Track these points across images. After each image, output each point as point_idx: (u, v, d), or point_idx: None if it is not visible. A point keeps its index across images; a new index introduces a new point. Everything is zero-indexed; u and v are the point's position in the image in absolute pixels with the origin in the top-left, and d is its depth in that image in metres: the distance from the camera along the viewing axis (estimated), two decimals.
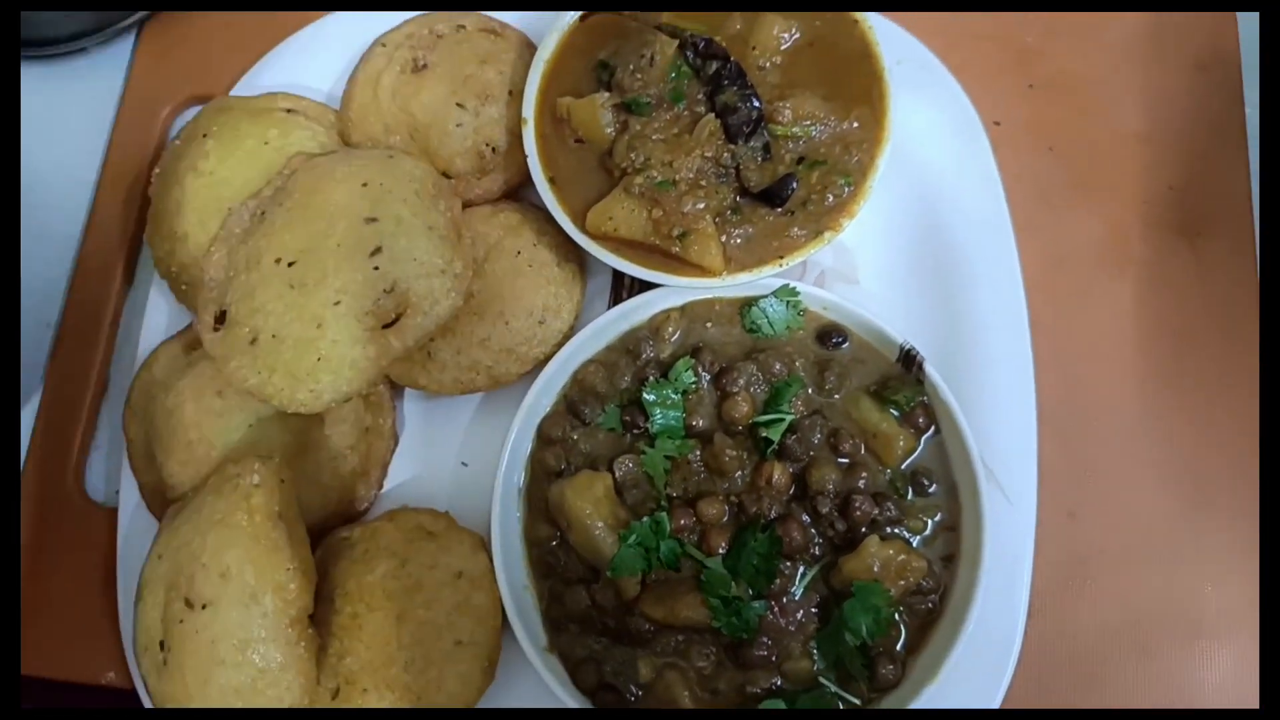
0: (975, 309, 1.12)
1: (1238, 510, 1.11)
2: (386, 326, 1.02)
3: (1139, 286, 1.17)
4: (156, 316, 1.20)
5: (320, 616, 1.04)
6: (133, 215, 1.30)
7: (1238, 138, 1.22)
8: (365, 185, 1.05)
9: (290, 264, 1.03)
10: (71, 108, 1.37)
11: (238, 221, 1.10)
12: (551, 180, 1.09)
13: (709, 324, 1.11)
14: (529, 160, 1.09)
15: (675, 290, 1.09)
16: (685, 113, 1.07)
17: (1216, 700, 1.06)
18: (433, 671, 1.01)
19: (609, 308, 1.18)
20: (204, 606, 0.98)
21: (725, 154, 1.04)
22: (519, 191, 1.19)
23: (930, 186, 1.16)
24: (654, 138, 1.06)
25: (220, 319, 1.06)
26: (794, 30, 1.09)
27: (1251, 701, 1.05)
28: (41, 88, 1.37)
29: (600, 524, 1.01)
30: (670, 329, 1.10)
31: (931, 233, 1.16)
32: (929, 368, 1.04)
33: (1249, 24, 1.25)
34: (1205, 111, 1.23)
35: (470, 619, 1.04)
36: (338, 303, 1.01)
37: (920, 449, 1.05)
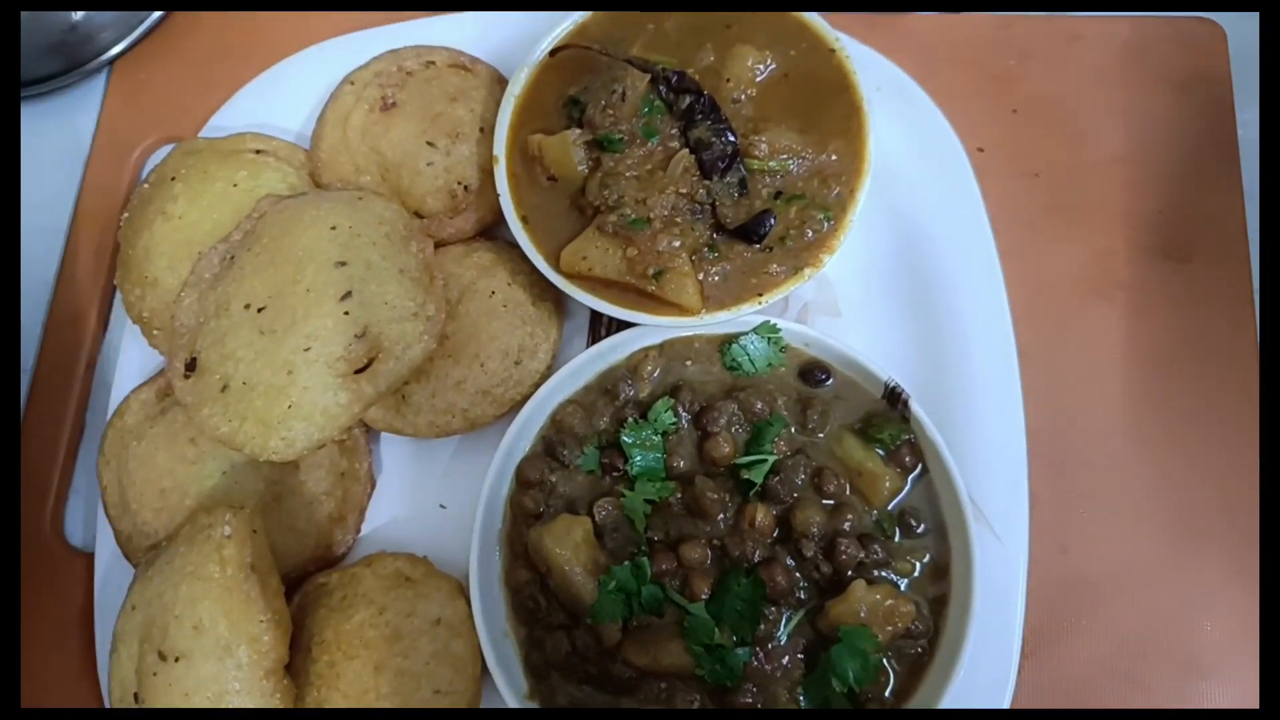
0: (961, 340, 1.10)
1: (1232, 539, 1.08)
2: (359, 372, 1.01)
3: (1127, 312, 1.15)
4: (130, 362, 1.18)
5: (297, 666, 1.02)
6: (105, 259, 1.29)
7: (1227, 157, 1.20)
8: (334, 228, 1.03)
9: (260, 309, 1.02)
10: (44, 150, 1.36)
11: (207, 266, 1.08)
12: (524, 219, 1.07)
13: (688, 362, 1.09)
14: (501, 199, 1.07)
15: (653, 329, 1.07)
16: (659, 149, 1.05)
17: None
18: None
19: (587, 347, 1.16)
20: (177, 659, 0.96)
21: (700, 190, 1.02)
22: (493, 230, 1.17)
23: (913, 216, 1.14)
24: (627, 175, 1.04)
25: (191, 366, 1.04)
26: (768, 61, 1.08)
27: None
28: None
29: (579, 569, 0.99)
30: (649, 368, 1.08)
31: (915, 263, 1.14)
32: (914, 405, 1.02)
33: (1240, 39, 1.23)
34: (1191, 132, 1.21)
35: (449, 668, 1.02)
36: (308, 349, 0.99)
37: (907, 488, 1.03)
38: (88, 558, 1.16)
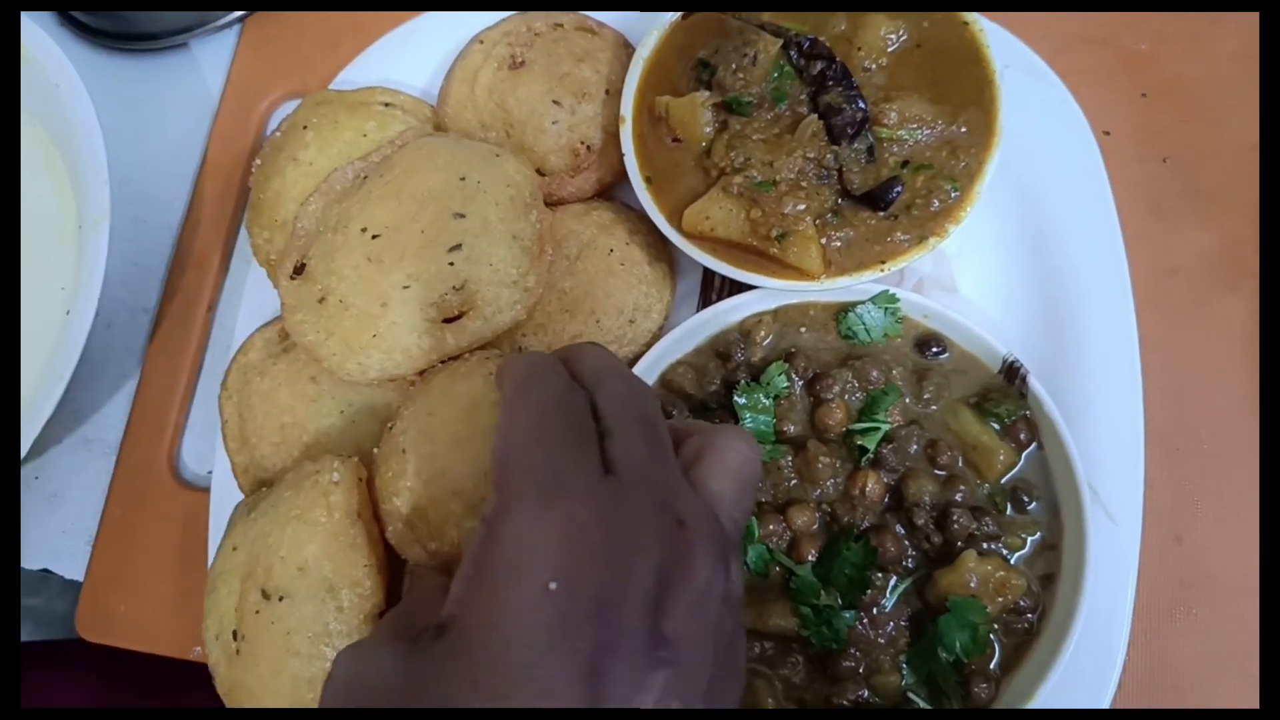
0: (1081, 322, 1.09)
1: None
2: (447, 321, 1.03)
3: (1255, 302, 1.13)
4: (253, 303, 1.22)
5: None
6: (230, 205, 1.33)
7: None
8: (463, 179, 1.05)
9: (374, 236, 1.04)
10: (173, 101, 1.41)
11: (340, 179, 1.11)
12: (648, 179, 1.08)
13: (803, 329, 1.09)
14: (625, 158, 1.09)
15: (768, 294, 1.07)
16: (787, 113, 1.06)
17: None
18: None
19: (698, 310, 1.17)
20: (280, 598, 0.99)
21: (828, 155, 1.02)
22: (611, 191, 1.19)
23: (1036, 195, 1.13)
24: (754, 138, 1.04)
25: (300, 270, 1.08)
26: (900, 31, 1.07)
27: None
28: (144, 81, 1.41)
29: None
30: (762, 333, 1.09)
31: (1036, 242, 1.12)
32: (1033, 380, 1.01)
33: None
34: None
35: None
36: (407, 287, 1.02)
37: (1021, 464, 1.02)
38: (201, 493, 1.21)
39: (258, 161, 1.21)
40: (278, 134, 1.20)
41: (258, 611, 1.00)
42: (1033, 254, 1.13)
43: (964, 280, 1.15)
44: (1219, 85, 1.19)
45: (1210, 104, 1.19)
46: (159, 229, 1.34)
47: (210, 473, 1.20)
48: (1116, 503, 1.02)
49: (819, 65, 1.04)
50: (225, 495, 1.16)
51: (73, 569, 1.25)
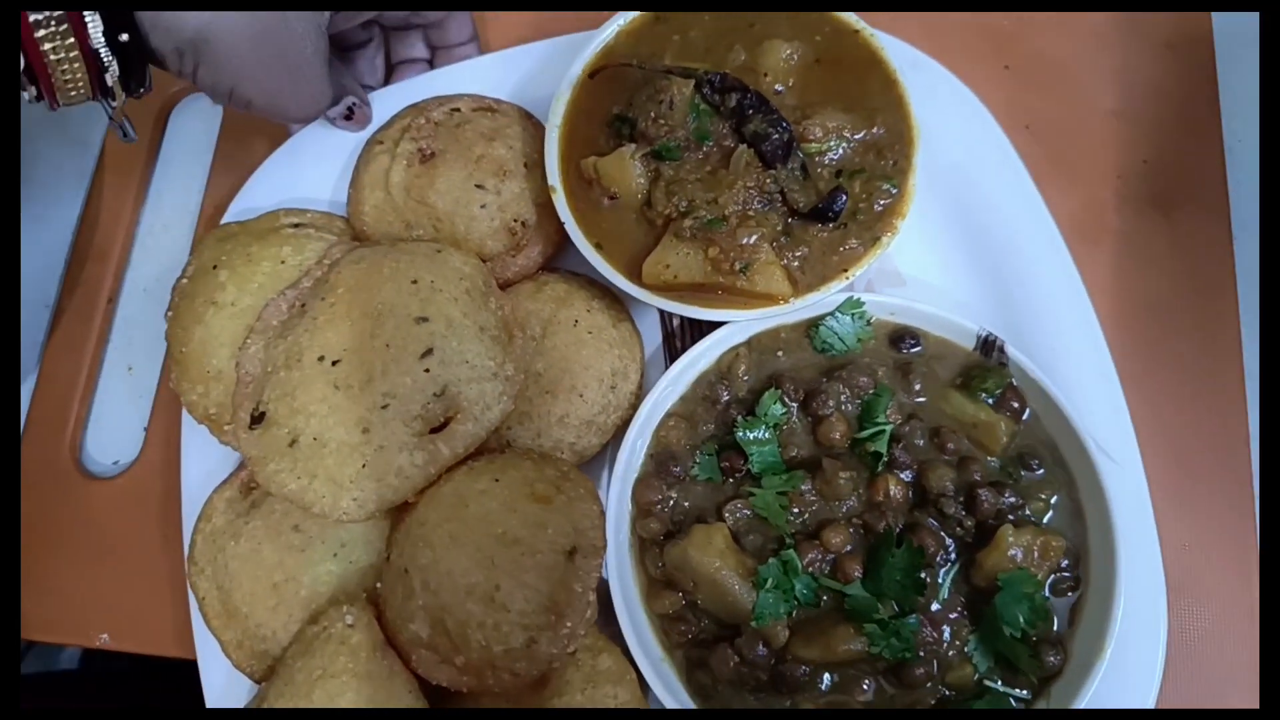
0: (1024, 275, 1.13)
1: (1224, 479, 1.12)
2: (434, 431, 0.98)
3: (1116, 258, 1.20)
4: (196, 466, 1.12)
5: None
6: (129, 199, 1.32)
7: (1210, 112, 1.26)
8: (415, 282, 1.00)
9: (334, 363, 0.99)
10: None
11: (274, 313, 1.04)
12: (598, 245, 1.06)
13: (779, 353, 1.09)
14: (567, 227, 1.06)
15: (736, 327, 1.07)
16: (714, 149, 1.06)
17: None
18: None
19: (665, 359, 1.16)
20: None
21: (767, 180, 1.03)
22: (555, 261, 1.16)
23: (948, 172, 1.17)
24: (691, 179, 1.05)
25: (258, 418, 1.00)
26: (797, 50, 1.10)
27: None
28: None
29: (732, 575, 0.97)
30: (741, 367, 1.08)
31: (961, 215, 1.17)
32: (1010, 348, 1.05)
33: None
34: (1177, 88, 1.27)
35: (609, 683, 0.97)
36: (385, 406, 0.96)
37: (1019, 430, 1.05)
38: (105, 484, 1.20)
39: (168, 313, 1.11)
40: (184, 281, 1.12)
41: None
42: (961, 226, 1.17)
43: (908, 271, 1.18)
44: (1076, 58, 1.28)
45: (1068, 76, 1.28)
46: (59, 224, 1.31)
47: (116, 463, 1.22)
48: (1113, 443, 1.06)
49: (734, 97, 1.06)
50: (219, 686, 1.05)
51: None
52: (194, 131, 1.37)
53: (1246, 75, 1.27)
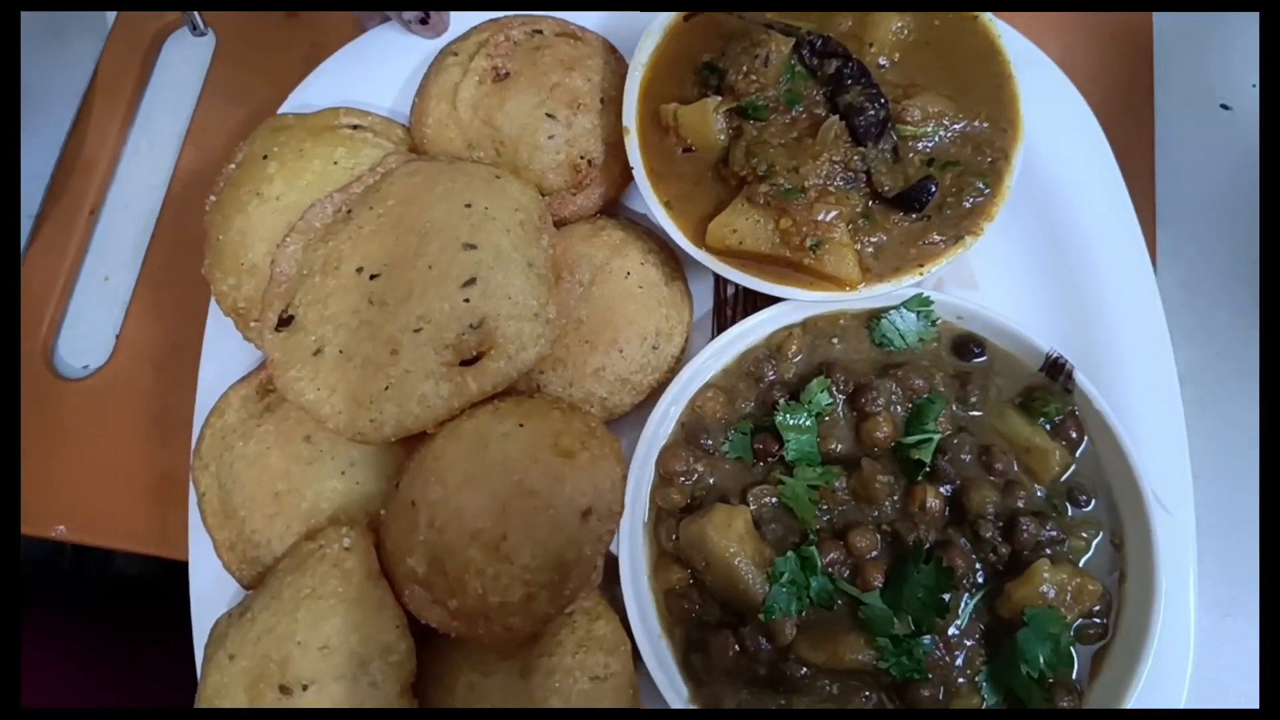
0: (1107, 310, 1.07)
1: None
2: (465, 364, 0.94)
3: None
4: (219, 357, 1.08)
5: (429, 696, 0.94)
6: (117, 118, 1.31)
7: (1144, 104, 1.20)
8: (469, 206, 0.95)
9: (373, 276, 0.94)
10: (68, 23, 1.34)
11: (319, 215, 1.00)
12: (667, 204, 1.00)
13: (834, 340, 1.04)
14: (635, 173, 1.01)
15: (794, 305, 1.02)
16: (803, 115, 1.00)
17: None
18: None
19: (714, 331, 1.11)
20: (305, 687, 0.88)
21: (854, 158, 0.97)
22: (615, 206, 1.11)
23: (1046, 184, 1.10)
24: (774, 143, 0.98)
25: (286, 320, 0.96)
26: (909, 26, 1.03)
27: None
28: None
29: (747, 562, 0.93)
30: (793, 347, 1.03)
31: (1051, 232, 1.10)
32: (1079, 375, 0.98)
33: None
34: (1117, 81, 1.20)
35: (601, 651, 0.93)
36: (418, 330, 0.92)
37: (1074, 463, 0.99)
38: (75, 384, 1.21)
39: (211, 198, 1.07)
40: (233, 168, 1.08)
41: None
42: (1049, 244, 1.11)
43: (983, 275, 1.12)
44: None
45: None
46: (49, 136, 1.30)
47: (85, 367, 1.22)
48: (1168, 492, 1.00)
49: (834, 64, 0.99)
50: (207, 585, 1.03)
51: None
52: (186, 60, 1.36)
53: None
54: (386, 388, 0.91)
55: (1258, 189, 1.13)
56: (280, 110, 1.15)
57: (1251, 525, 1.07)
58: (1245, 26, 1.23)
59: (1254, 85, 1.19)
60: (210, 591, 1.04)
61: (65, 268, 1.26)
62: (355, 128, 1.09)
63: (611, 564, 0.97)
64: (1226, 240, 1.17)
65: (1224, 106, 1.19)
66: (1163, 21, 1.24)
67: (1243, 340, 1.13)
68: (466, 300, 0.93)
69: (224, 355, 1.09)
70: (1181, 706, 0.96)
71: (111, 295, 1.24)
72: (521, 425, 0.92)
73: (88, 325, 1.23)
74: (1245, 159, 1.17)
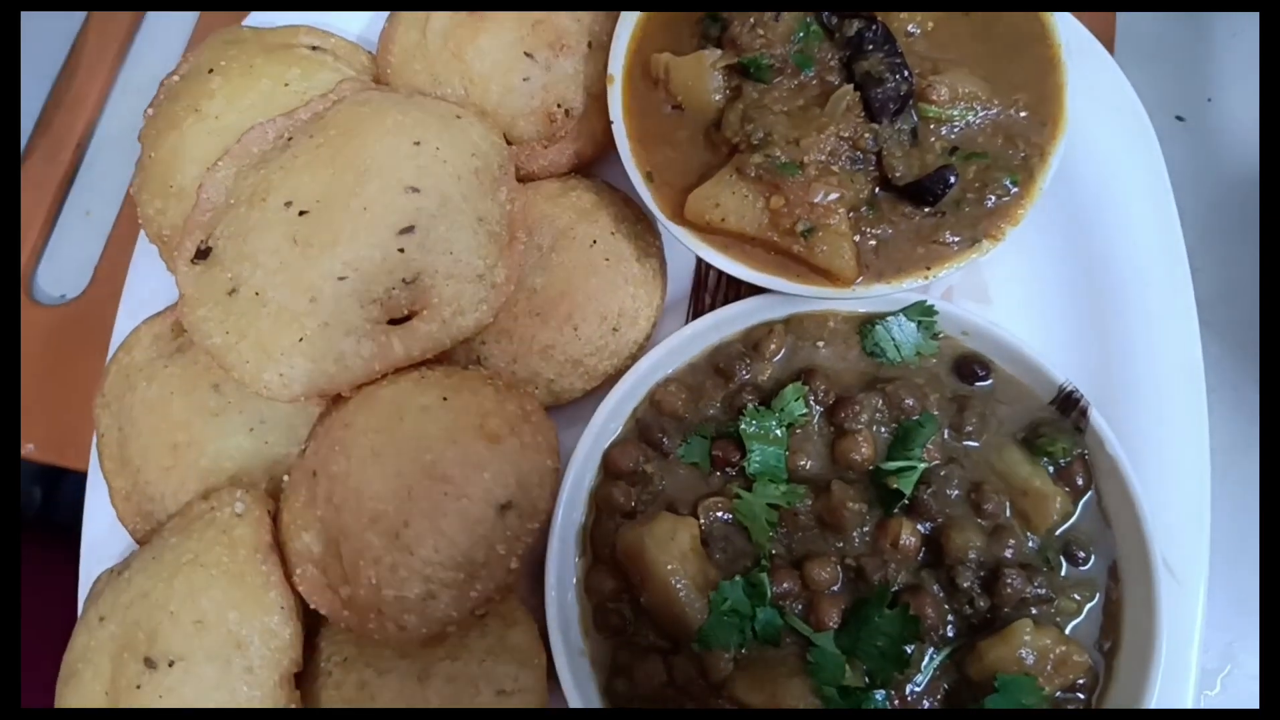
0: (1137, 345, 0.94)
1: None
2: (393, 322, 0.83)
3: None
4: (140, 288, 0.99)
5: (313, 692, 0.84)
6: (108, 59, 1.27)
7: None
8: (417, 144, 0.84)
9: (301, 213, 0.84)
10: None
11: (258, 139, 0.90)
12: (647, 175, 0.88)
13: (820, 343, 0.92)
14: (614, 126, 0.89)
15: (778, 299, 0.90)
16: (814, 81, 0.88)
17: None
18: None
19: (689, 317, 0.99)
20: (171, 663, 0.79)
21: (865, 135, 0.84)
22: (591, 166, 0.99)
23: (1078, 188, 0.98)
24: (775, 109, 0.86)
25: (204, 253, 0.85)
26: None
27: None
28: None
29: (686, 582, 0.82)
30: (772, 346, 0.91)
31: (1083, 248, 0.98)
32: (1094, 414, 0.86)
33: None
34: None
35: (511, 662, 0.83)
36: (343, 278, 0.81)
37: (1077, 513, 0.86)
38: (53, 309, 1.18)
39: (149, 110, 0.97)
40: (175, 78, 0.97)
41: (139, 686, 0.79)
42: (1078, 261, 0.98)
43: (997, 288, 0.99)
44: None
45: None
46: (38, 76, 1.28)
47: (62, 297, 1.19)
48: (1180, 559, 0.88)
49: (856, 25, 0.87)
50: (100, 534, 0.94)
51: None
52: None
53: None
54: (300, 339, 0.80)
55: (1211, 200, 1.06)
56: (244, 24, 1.04)
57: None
58: (1201, 37, 1.14)
59: (1209, 99, 1.12)
60: (103, 540, 0.95)
61: (48, 200, 1.24)
62: (315, 49, 0.98)
63: (538, 568, 0.86)
64: None
65: (1178, 118, 1.10)
66: (1120, 31, 1.13)
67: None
68: (401, 250, 0.82)
69: (149, 286, 0.99)
70: None
71: (92, 230, 1.24)
72: (446, 399, 0.81)
73: (67, 257, 1.23)
74: (1198, 170, 1.08)
